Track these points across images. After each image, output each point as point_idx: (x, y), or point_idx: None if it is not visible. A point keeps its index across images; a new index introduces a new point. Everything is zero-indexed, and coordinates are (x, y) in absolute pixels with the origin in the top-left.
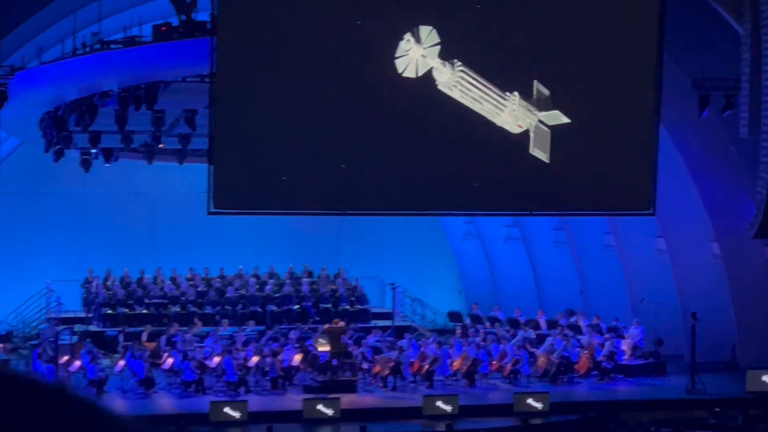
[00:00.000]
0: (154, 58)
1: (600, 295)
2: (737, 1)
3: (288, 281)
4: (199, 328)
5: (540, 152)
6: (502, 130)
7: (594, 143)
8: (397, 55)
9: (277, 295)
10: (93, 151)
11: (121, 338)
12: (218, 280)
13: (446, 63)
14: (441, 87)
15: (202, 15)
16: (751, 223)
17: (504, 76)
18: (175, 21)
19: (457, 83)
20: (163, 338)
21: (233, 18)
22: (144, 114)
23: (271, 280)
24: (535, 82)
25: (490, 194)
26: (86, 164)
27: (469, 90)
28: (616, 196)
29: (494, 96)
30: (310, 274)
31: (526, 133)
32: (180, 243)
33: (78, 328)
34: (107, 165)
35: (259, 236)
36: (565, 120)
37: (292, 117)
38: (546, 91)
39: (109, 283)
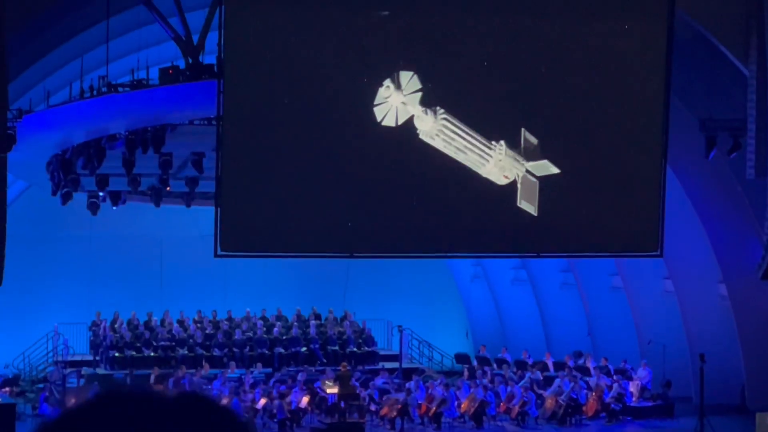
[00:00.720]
0: (161, 101)
1: (608, 337)
2: (744, 42)
3: (296, 324)
4: (206, 370)
5: (528, 204)
6: (488, 180)
7: (601, 184)
8: (375, 102)
9: (285, 337)
10: (100, 194)
11: (128, 381)
12: (226, 322)
13: (428, 110)
14: (423, 136)
15: (209, 58)
16: (759, 265)
17: (490, 124)
18: (182, 64)
19: (439, 132)
20: (171, 381)
21: (240, 61)
22: (151, 157)
23: (279, 323)
24: (523, 130)
25: (493, 238)
26: (94, 207)
27: (452, 139)
28: (624, 238)
29: (479, 145)
30: (317, 317)
31: (513, 183)
32: (187, 285)
33: (85, 371)
34: (115, 208)
35: (267, 279)
36: (555, 170)
37: (298, 160)
38: (534, 140)
39: (116, 325)
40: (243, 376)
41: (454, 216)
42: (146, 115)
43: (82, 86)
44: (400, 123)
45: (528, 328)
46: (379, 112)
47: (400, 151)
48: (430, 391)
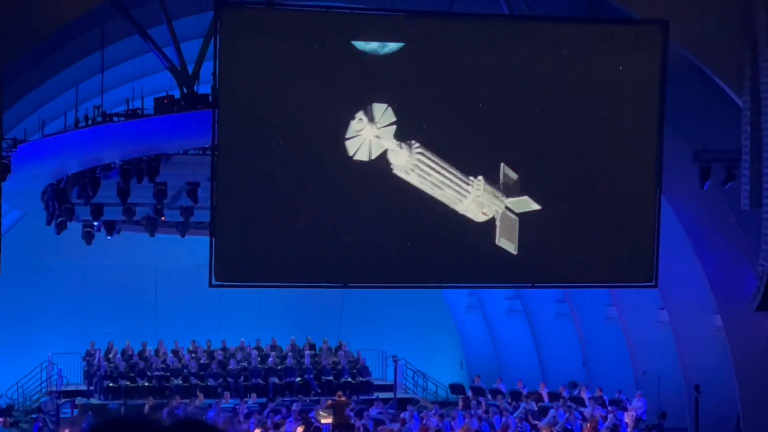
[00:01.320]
0: (156, 131)
1: (602, 368)
2: (738, 73)
3: (290, 354)
4: (201, 400)
5: (507, 242)
6: (465, 217)
7: (595, 215)
8: (347, 135)
9: (280, 367)
10: (95, 223)
11: (122, 411)
12: (220, 352)
13: (403, 144)
14: (397, 171)
15: (204, 88)
16: (754, 296)
17: (467, 159)
18: (177, 93)
19: (414, 167)
20: (165, 411)
21: (235, 91)
22: (146, 187)
23: (273, 353)
24: (502, 165)
25: (480, 271)
26: (88, 237)
27: (428, 174)
28: (618, 268)
29: (456, 180)
30: (312, 347)
31: (492, 221)
32: (182, 315)
33: (79, 401)
34: (109, 238)
35: (262, 309)
36: (535, 206)
37: (292, 190)
38: (514, 175)
39: (111, 355)
40: (237, 406)
41: (437, 250)
42: (141, 144)
43: (77, 116)
44: (373, 157)
45: (523, 359)
46: (351, 146)
47: (374, 186)
48: (424, 421)
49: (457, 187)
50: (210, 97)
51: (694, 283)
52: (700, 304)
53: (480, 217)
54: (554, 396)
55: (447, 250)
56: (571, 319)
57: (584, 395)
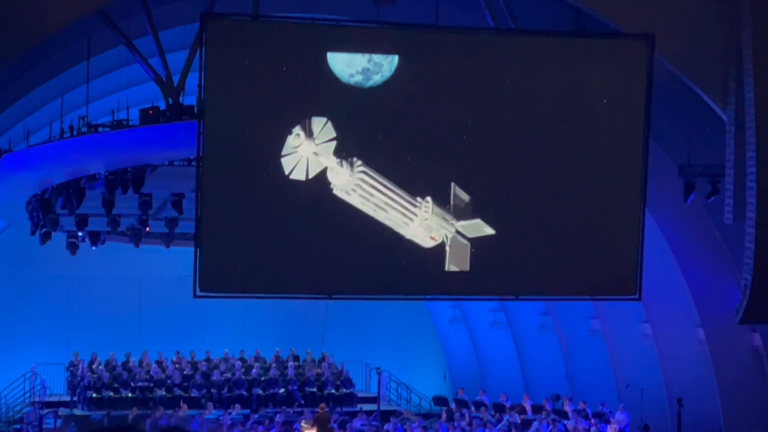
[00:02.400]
0: (141, 142)
1: (586, 380)
2: (722, 88)
3: (274, 365)
4: (184, 411)
5: (456, 269)
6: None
7: (579, 228)
8: (283, 152)
9: (263, 378)
10: (80, 234)
11: (106, 422)
12: (204, 363)
13: (344, 162)
14: (337, 191)
15: (189, 99)
16: (737, 309)
17: (415, 178)
18: (162, 104)
19: (356, 187)
20: (149, 421)
21: (220, 102)
22: (131, 197)
23: (257, 364)
24: (453, 185)
25: (473, 279)
26: (73, 247)
27: (370, 195)
28: (602, 281)
29: (402, 202)
30: (296, 358)
31: (441, 246)
32: (166, 326)
33: (62, 411)
34: (94, 248)
35: (246, 320)
36: (489, 231)
37: (276, 202)
38: (465, 196)
39: (94, 366)
40: (221, 417)
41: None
42: (126, 155)
43: (62, 126)
44: (311, 176)
45: (506, 371)
46: (286, 164)
47: (313, 208)
48: None
49: (403, 209)
50: (195, 109)
51: (678, 296)
52: (684, 318)
53: (428, 243)
54: (537, 408)
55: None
56: (554, 332)
57: (567, 408)
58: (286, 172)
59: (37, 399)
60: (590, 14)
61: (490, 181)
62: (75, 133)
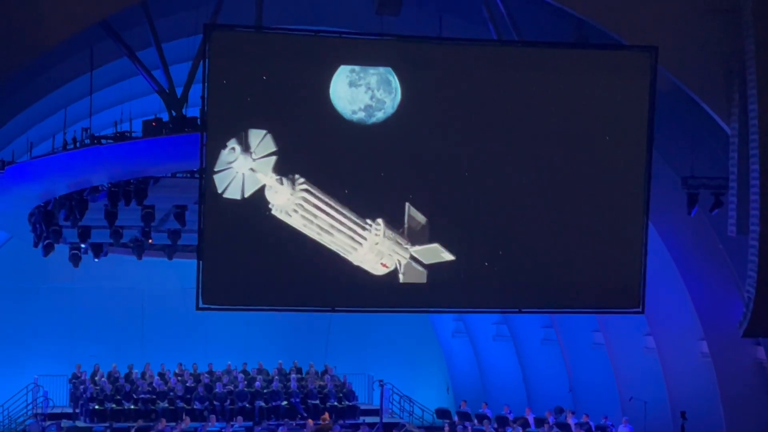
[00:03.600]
0: (144, 154)
1: (589, 393)
2: (726, 100)
3: (276, 377)
4: (187, 423)
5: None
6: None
7: (582, 240)
8: (215, 168)
9: (266, 391)
10: (82, 246)
11: None
12: (207, 375)
13: (284, 180)
14: (276, 212)
15: (193, 110)
16: (740, 322)
17: (365, 197)
18: (165, 116)
19: (298, 207)
20: None
21: (223, 114)
22: (134, 209)
23: (260, 376)
24: (407, 206)
25: (475, 292)
26: (75, 259)
27: (314, 217)
28: (605, 294)
29: (350, 224)
30: (298, 371)
31: (394, 273)
32: (169, 338)
33: (65, 423)
34: (96, 260)
35: (248, 332)
36: (449, 257)
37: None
38: (421, 218)
39: (97, 378)
40: (223, 430)
41: None
42: (129, 167)
43: (65, 138)
44: (246, 195)
45: (509, 384)
46: (219, 182)
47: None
48: None
49: (350, 233)
50: (198, 120)
51: (681, 309)
52: (687, 331)
53: (378, 270)
54: (540, 421)
55: (436, 272)
56: (557, 345)
57: (570, 421)
58: (219, 191)
59: (39, 411)
60: (593, 26)
61: (516, 187)
62: (78, 144)
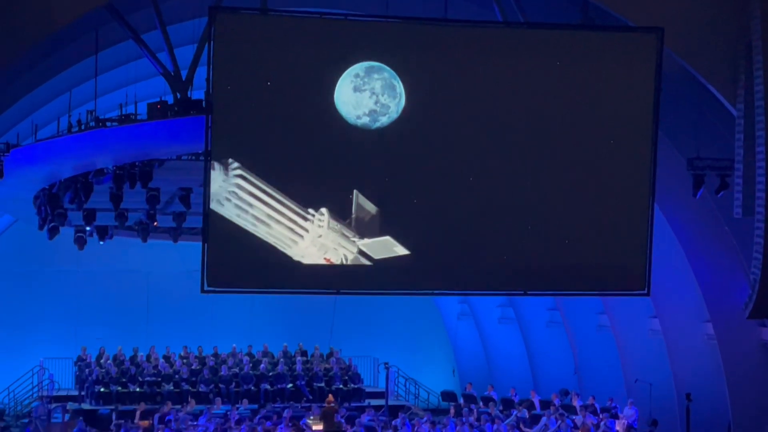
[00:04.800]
0: (149, 136)
1: (594, 375)
2: (732, 82)
3: (282, 360)
4: (192, 406)
5: None
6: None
7: (588, 222)
8: None
9: (271, 373)
10: (87, 228)
11: (113, 416)
12: (212, 358)
13: (216, 164)
14: (212, 204)
15: (198, 93)
16: (746, 304)
17: (307, 185)
18: (170, 99)
19: (231, 195)
20: (157, 416)
21: (228, 97)
22: (139, 192)
23: (265, 359)
24: (355, 193)
25: (481, 274)
26: (80, 242)
27: (249, 206)
28: (611, 276)
29: (290, 214)
30: (304, 353)
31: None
32: (174, 321)
33: (70, 406)
34: (101, 243)
35: (253, 315)
36: (402, 251)
37: (284, 196)
38: (372, 207)
39: (102, 360)
40: (229, 413)
41: (433, 255)
42: (134, 149)
43: (70, 120)
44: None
45: (515, 366)
46: None
47: None
48: (416, 428)
49: (290, 224)
50: (203, 103)
51: (687, 291)
52: (692, 313)
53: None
54: (546, 404)
55: (443, 255)
56: (562, 327)
57: (576, 403)
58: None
59: (45, 393)
60: (599, 7)
61: (520, 170)
62: (83, 127)
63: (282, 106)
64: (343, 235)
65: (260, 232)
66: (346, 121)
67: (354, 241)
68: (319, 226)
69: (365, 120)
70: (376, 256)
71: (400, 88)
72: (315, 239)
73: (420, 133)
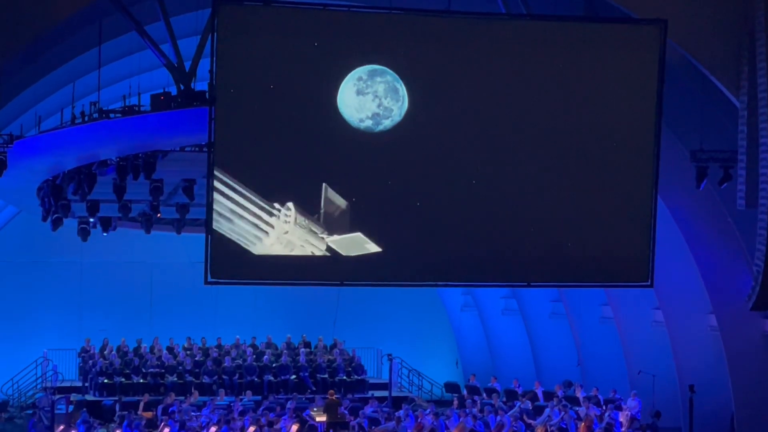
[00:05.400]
0: (152, 128)
1: (597, 367)
2: (735, 73)
3: (285, 351)
4: (195, 397)
5: None
6: None
7: (591, 214)
8: None
9: (275, 365)
10: (91, 220)
11: (117, 408)
12: (215, 349)
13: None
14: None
15: (201, 85)
16: (749, 295)
17: (273, 178)
18: (173, 90)
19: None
20: (160, 408)
21: (231, 88)
22: (142, 183)
23: (269, 350)
24: (324, 186)
25: (484, 266)
26: (84, 233)
27: (212, 201)
28: (614, 268)
29: (254, 209)
30: (307, 345)
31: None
32: (177, 312)
33: (74, 397)
34: (105, 234)
35: (257, 306)
36: (374, 248)
37: (287, 188)
38: (341, 202)
39: (106, 352)
40: (232, 404)
41: (437, 246)
42: (137, 141)
43: (74, 112)
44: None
45: (518, 358)
46: None
47: None
48: (419, 420)
49: (254, 219)
50: (207, 94)
51: (690, 282)
52: (695, 304)
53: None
54: (549, 395)
55: (447, 248)
56: (566, 319)
57: (579, 394)
58: None
59: (49, 384)
60: None
61: (527, 161)
62: (86, 119)
63: (283, 104)
64: (311, 230)
65: (223, 227)
66: (349, 125)
67: (322, 238)
68: (286, 222)
69: (368, 123)
70: (346, 253)
71: (402, 91)
72: (281, 236)
73: (423, 135)
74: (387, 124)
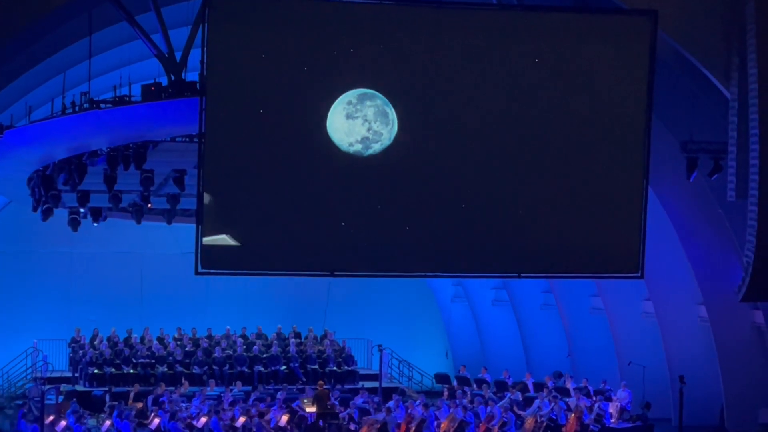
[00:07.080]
0: (143, 118)
1: (588, 358)
2: (725, 65)
3: (275, 342)
4: (186, 388)
5: None
6: None
7: (582, 205)
8: None
9: (265, 355)
10: (81, 210)
11: (107, 398)
12: (206, 340)
13: None
14: None
15: (192, 75)
16: (739, 287)
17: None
18: (164, 81)
19: None
20: (150, 398)
21: (222, 79)
22: (133, 174)
23: (259, 341)
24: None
25: (476, 256)
26: (74, 223)
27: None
28: (604, 259)
29: None
30: (297, 335)
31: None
32: (168, 303)
33: (64, 387)
34: (95, 224)
35: (247, 297)
36: (232, 242)
37: (279, 178)
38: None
39: (96, 342)
40: (222, 394)
41: (429, 237)
42: (128, 131)
43: (64, 102)
44: None
45: (508, 349)
46: None
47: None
48: (409, 410)
49: None
50: (197, 85)
51: (680, 273)
52: (686, 295)
53: None
54: (539, 386)
55: (438, 238)
56: (556, 310)
57: (569, 385)
58: None
59: (39, 375)
60: None
61: (521, 150)
62: (77, 109)
63: (272, 127)
64: None
65: None
66: (339, 149)
67: None
68: None
69: (357, 147)
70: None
71: (392, 114)
72: None
73: (413, 158)
74: (377, 147)
